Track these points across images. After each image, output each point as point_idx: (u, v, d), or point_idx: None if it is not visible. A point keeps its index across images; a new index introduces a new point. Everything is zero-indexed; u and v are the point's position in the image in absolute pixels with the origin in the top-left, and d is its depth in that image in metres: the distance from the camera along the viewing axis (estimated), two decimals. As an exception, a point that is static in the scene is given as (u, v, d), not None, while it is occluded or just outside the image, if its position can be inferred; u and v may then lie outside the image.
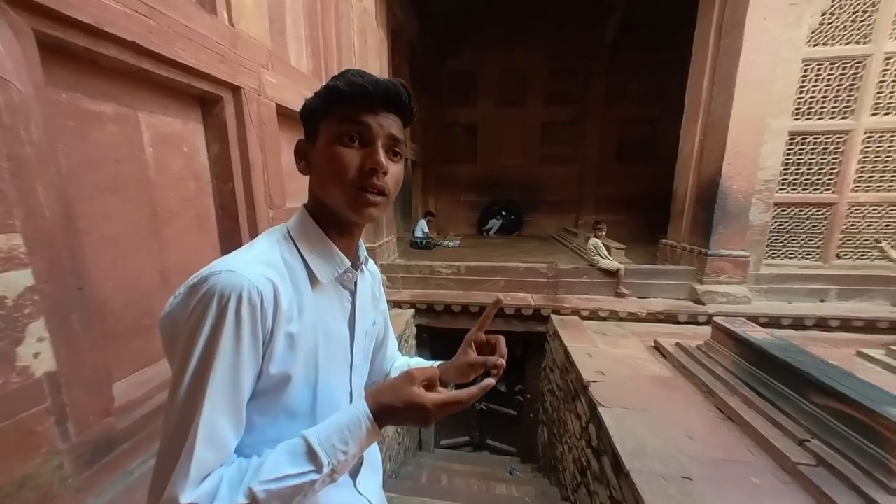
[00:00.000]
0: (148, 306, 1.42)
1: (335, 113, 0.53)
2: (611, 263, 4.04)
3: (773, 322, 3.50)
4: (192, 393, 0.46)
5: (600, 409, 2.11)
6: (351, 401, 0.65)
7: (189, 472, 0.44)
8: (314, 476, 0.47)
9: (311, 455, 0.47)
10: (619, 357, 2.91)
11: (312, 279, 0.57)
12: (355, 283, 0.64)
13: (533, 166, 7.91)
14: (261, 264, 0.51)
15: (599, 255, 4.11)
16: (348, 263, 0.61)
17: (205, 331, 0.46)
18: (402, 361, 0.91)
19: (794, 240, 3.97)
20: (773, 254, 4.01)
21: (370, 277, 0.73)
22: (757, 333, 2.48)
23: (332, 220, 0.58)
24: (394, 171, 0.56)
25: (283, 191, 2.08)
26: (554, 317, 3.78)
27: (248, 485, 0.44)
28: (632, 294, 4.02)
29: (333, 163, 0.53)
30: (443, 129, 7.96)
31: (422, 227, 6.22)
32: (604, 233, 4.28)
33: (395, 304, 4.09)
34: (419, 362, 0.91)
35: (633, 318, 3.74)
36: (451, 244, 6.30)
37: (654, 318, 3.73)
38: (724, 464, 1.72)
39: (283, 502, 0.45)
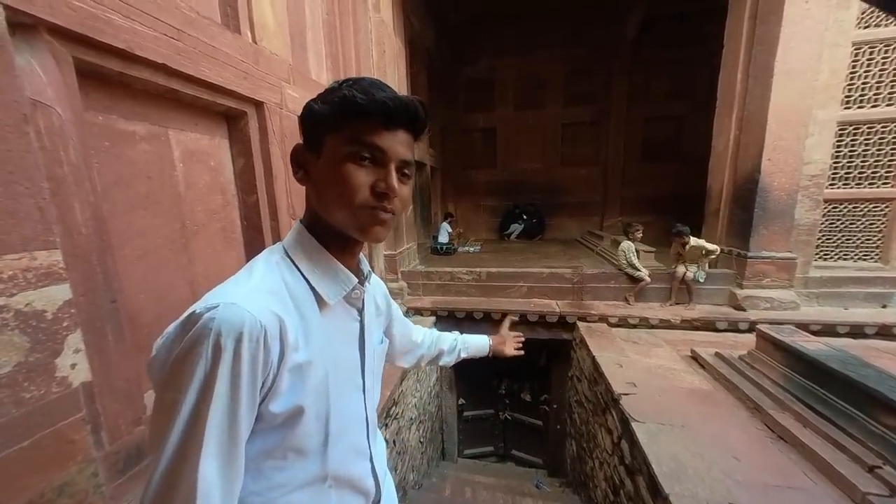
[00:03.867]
0: (177, 318, 1.47)
1: (348, 128, 0.49)
2: (640, 273, 3.81)
3: (826, 330, 3.19)
4: (183, 447, 0.41)
5: (633, 425, 1.97)
6: (367, 427, 0.62)
7: None
8: None
9: None
10: (652, 367, 2.74)
11: (319, 301, 0.54)
12: (363, 301, 0.61)
13: (554, 169, 7.74)
14: (265, 294, 0.47)
15: (629, 260, 3.88)
16: (355, 280, 0.57)
17: (198, 373, 0.41)
18: (438, 338, 1.01)
19: (848, 239, 3.62)
20: (825, 255, 3.68)
21: (373, 290, 0.70)
22: (810, 343, 2.26)
23: (334, 236, 0.55)
24: (403, 194, 0.53)
25: (304, 201, 2.12)
26: (580, 324, 3.63)
27: None
28: (637, 303, 3.83)
29: (343, 184, 0.49)
30: (461, 134, 7.95)
31: (445, 229, 6.14)
32: (640, 235, 3.99)
33: (416, 311, 4.07)
34: (465, 338, 1.05)
35: (666, 325, 3.52)
36: (472, 249, 6.23)
37: (690, 325, 3.49)
38: (778, 490, 1.56)
39: None
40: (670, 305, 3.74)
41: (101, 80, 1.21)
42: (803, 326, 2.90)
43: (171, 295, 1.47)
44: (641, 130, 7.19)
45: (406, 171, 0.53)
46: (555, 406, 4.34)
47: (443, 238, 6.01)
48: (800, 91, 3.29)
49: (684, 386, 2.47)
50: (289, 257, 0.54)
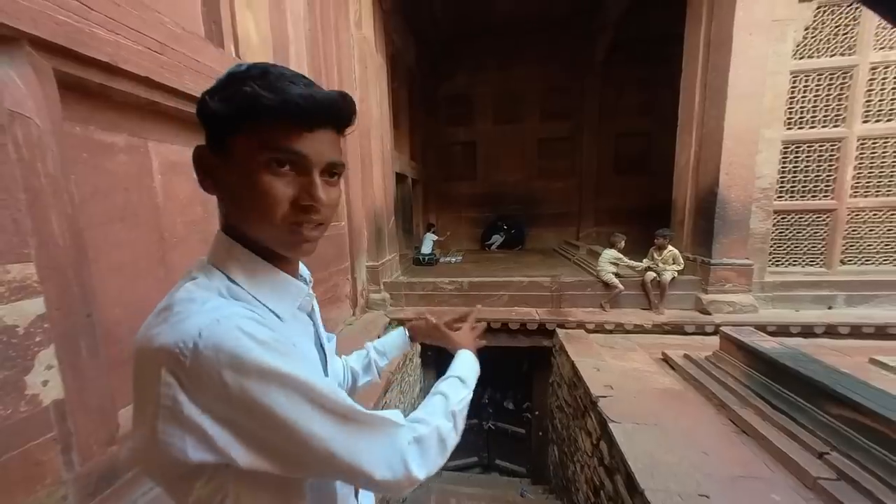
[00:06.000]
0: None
1: (257, 132, 0.41)
2: (615, 280, 3.99)
3: (781, 330, 3.45)
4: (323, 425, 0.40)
5: (611, 426, 2.06)
6: None
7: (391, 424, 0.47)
8: (469, 395, 0.62)
9: (463, 383, 0.64)
10: (627, 370, 2.86)
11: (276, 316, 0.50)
12: (312, 305, 0.59)
13: (532, 181, 8.02)
14: (235, 307, 0.42)
15: (617, 269, 4.00)
16: (306, 288, 0.54)
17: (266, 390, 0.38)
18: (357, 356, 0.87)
19: (796, 247, 3.96)
20: (777, 261, 4.00)
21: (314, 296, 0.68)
22: (766, 343, 2.45)
23: (265, 246, 0.48)
24: (332, 198, 0.47)
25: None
26: (559, 330, 3.74)
27: (451, 408, 0.56)
28: (612, 310, 4.00)
29: (259, 197, 0.42)
30: (442, 148, 8.13)
31: (430, 239, 6.14)
32: (623, 245, 4.09)
33: (398, 322, 4.06)
34: (377, 346, 0.90)
35: (640, 329, 3.69)
36: (454, 260, 6.30)
37: (661, 329, 3.68)
38: (742, 480, 1.67)
39: (463, 417, 0.58)
40: (656, 312, 3.88)
41: (81, 92, 1.20)
42: (761, 328, 3.13)
43: (147, 308, 1.41)
44: (613, 145, 7.61)
45: (335, 171, 0.47)
46: (537, 413, 4.40)
47: (426, 249, 6.03)
48: (750, 112, 3.62)
49: (657, 387, 2.59)
50: (235, 284, 0.46)
